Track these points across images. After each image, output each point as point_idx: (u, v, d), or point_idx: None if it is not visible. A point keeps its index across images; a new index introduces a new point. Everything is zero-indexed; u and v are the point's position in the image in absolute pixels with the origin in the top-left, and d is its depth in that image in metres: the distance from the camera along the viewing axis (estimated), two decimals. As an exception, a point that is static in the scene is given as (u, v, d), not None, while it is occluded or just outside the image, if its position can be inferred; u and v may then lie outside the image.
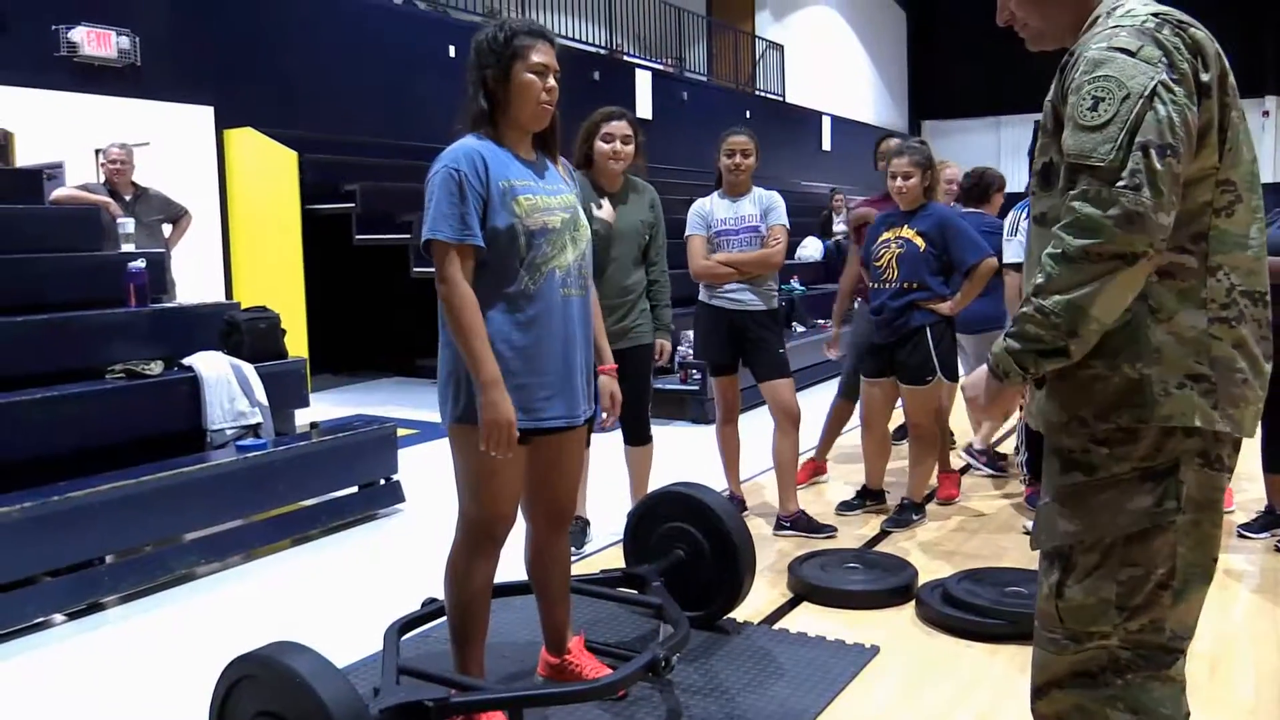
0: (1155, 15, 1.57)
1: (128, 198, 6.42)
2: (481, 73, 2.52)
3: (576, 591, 3.11)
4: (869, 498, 4.70)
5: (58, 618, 3.60)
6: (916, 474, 4.51)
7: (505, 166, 2.50)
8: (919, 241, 4.25)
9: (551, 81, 2.54)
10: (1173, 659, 1.68)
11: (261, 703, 2.19)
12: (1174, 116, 1.50)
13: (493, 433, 2.39)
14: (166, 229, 6.70)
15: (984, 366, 1.73)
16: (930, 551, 4.13)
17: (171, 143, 8.02)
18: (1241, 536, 4.21)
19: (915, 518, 4.48)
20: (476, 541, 2.59)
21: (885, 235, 4.36)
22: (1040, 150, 1.71)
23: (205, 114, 8.08)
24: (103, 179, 6.45)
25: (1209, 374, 1.60)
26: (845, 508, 4.68)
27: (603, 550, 4.20)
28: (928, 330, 4.27)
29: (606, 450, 4.37)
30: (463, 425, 2.50)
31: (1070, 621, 1.69)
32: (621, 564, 3.50)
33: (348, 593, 3.88)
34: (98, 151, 8.33)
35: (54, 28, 7.13)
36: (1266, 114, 19.54)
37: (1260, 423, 4.29)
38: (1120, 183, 1.49)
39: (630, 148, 3.95)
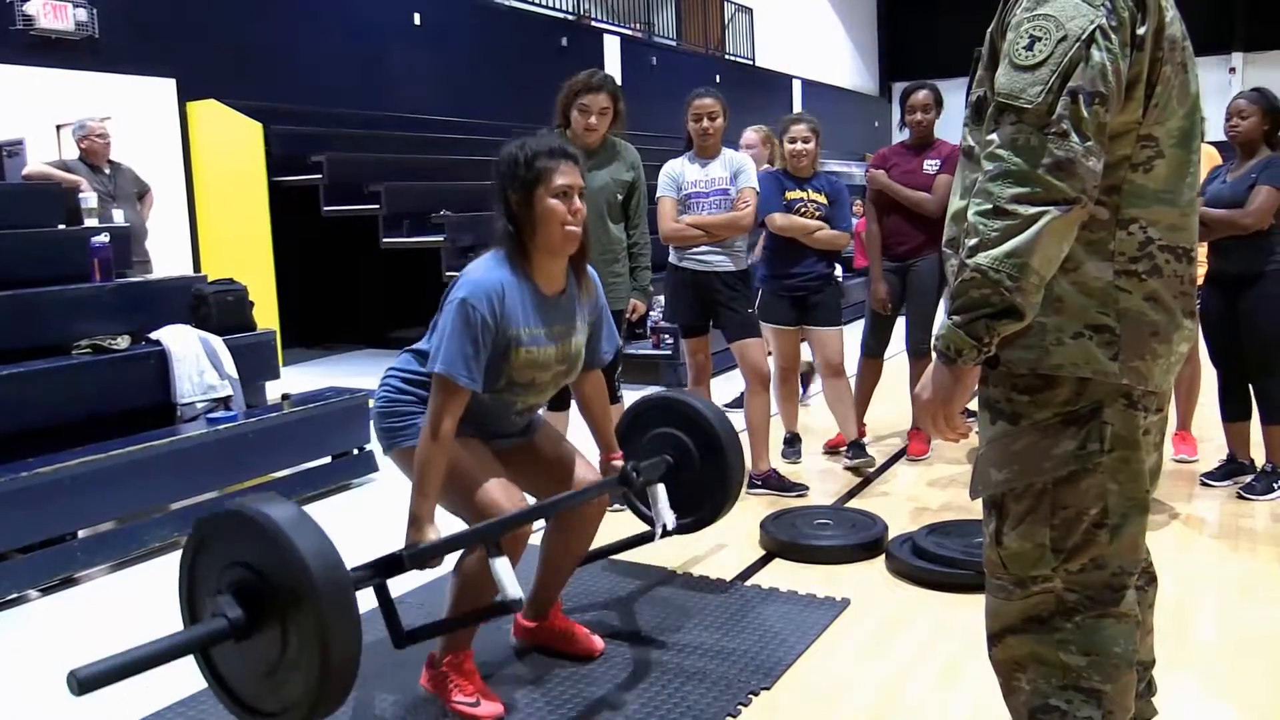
0: None
1: (107, 172, 6.36)
2: (504, 195, 2.50)
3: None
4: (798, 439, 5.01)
5: (32, 593, 3.60)
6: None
7: (522, 312, 2.49)
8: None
9: (577, 203, 2.50)
10: (1119, 595, 1.70)
11: (233, 554, 2.06)
12: (1107, 64, 1.48)
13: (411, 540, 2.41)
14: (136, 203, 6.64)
15: (930, 365, 1.65)
16: (900, 507, 4.19)
17: (133, 116, 7.90)
18: (1204, 485, 4.28)
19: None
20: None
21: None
22: (976, 83, 1.68)
23: (167, 86, 7.98)
24: (77, 154, 6.37)
25: (1113, 325, 1.60)
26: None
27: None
28: None
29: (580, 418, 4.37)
30: (409, 448, 2.51)
31: (1012, 568, 1.72)
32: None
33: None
34: (59, 127, 8.22)
35: (8, 0, 7.00)
36: (1233, 70, 19.66)
37: (1216, 372, 4.35)
38: (1048, 129, 1.47)
39: (607, 118, 3.95)
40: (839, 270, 4.80)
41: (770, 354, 4.73)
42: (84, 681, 1.83)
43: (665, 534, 2.95)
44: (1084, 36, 1.48)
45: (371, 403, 2.71)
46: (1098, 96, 1.48)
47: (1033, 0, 1.53)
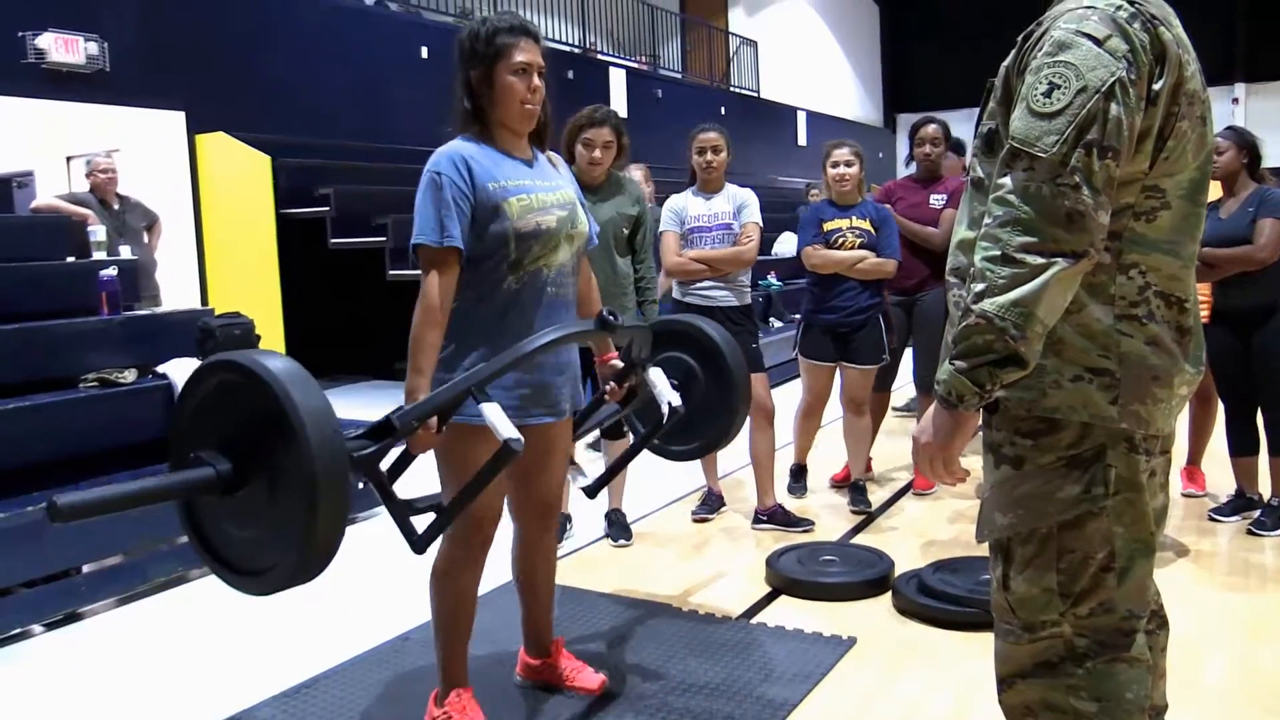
0: (1131, 3, 1.53)
1: (116, 206, 6.41)
2: (465, 73, 2.48)
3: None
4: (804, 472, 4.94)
5: (35, 628, 3.58)
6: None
7: (495, 166, 2.47)
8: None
9: (536, 80, 2.48)
10: (1130, 640, 1.69)
11: (228, 406, 1.93)
12: (1123, 119, 1.48)
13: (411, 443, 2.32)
14: (145, 236, 6.70)
15: (930, 408, 1.63)
16: (907, 542, 4.16)
17: (143, 148, 7.96)
18: (1213, 520, 4.26)
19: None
20: (466, 541, 2.57)
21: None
22: (988, 115, 1.67)
23: (176, 119, 8.03)
24: (88, 188, 6.42)
25: (1113, 369, 1.59)
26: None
27: (585, 547, 4.22)
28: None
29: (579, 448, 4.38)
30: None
31: (1021, 612, 1.71)
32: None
33: (328, 597, 3.87)
34: (69, 159, 8.30)
35: (20, 34, 7.06)
36: (1236, 101, 19.72)
37: (1224, 406, 4.33)
38: (1060, 179, 1.46)
39: (611, 153, 3.97)
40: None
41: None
42: (62, 509, 1.70)
43: (672, 415, 2.74)
44: (1103, 89, 1.47)
45: None
46: (1110, 151, 1.48)
47: (1054, 45, 1.52)
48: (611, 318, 2.45)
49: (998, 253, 1.49)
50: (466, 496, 2.33)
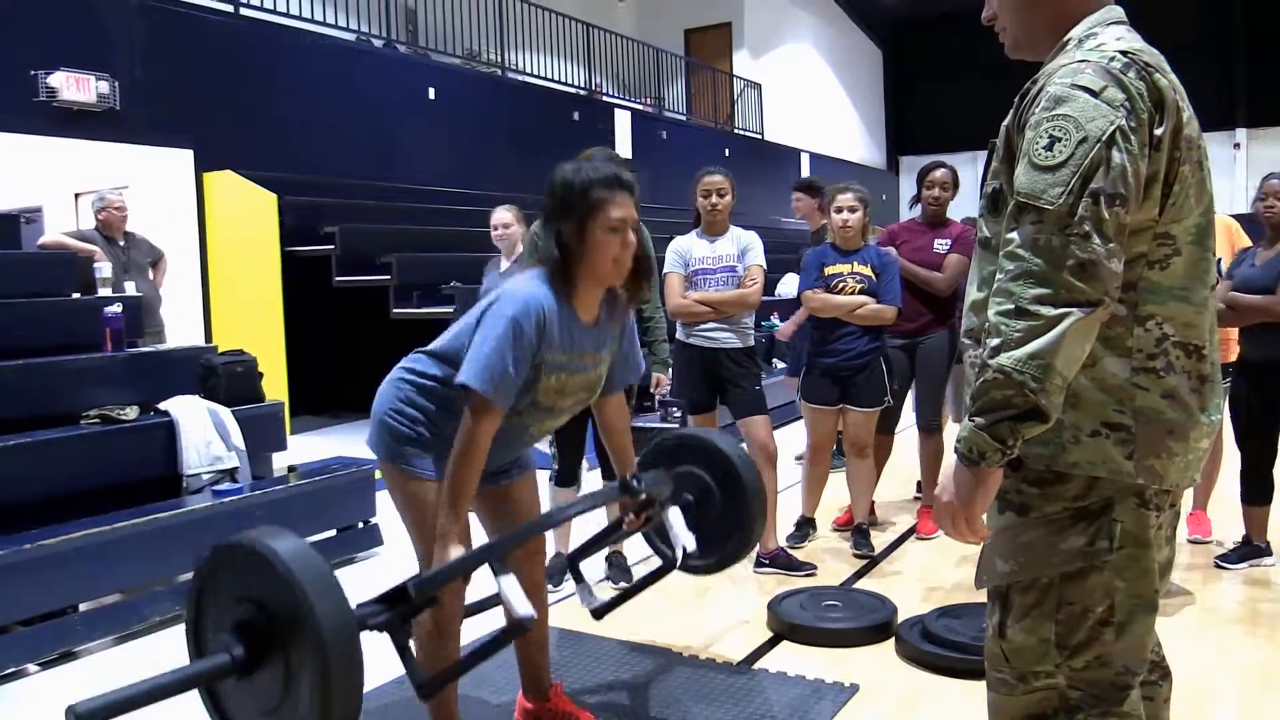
0: (1124, 54, 1.54)
1: (122, 243, 6.44)
2: (556, 225, 2.42)
3: (586, 553, 3.01)
4: (811, 526, 4.83)
5: (30, 667, 3.55)
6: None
7: (559, 337, 2.41)
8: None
9: (630, 237, 2.43)
10: (1124, 695, 1.66)
11: (238, 588, 1.99)
12: (1127, 165, 1.48)
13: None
14: (150, 273, 6.72)
15: (949, 464, 1.61)
16: (911, 588, 4.13)
17: (151, 186, 8.02)
18: (1219, 567, 4.22)
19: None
20: (436, 630, 2.52)
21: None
22: (992, 175, 1.68)
23: (185, 157, 8.09)
24: (94, 224, 6.46)
25: (1129, 424, 1.58)
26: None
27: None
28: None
29: (584, 487, 4.35)
30: (405, 472, 2.47)
31: (1015, 661, 1.68)
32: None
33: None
34: (78, 196, 8.35)
35: (32, 72, 7.15)
36: (1237, 146, 19.83)
37: (1241, 455, 4.27)
38: (1069, 230, 1.47)
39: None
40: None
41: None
42: (82, 716, 1.75)
43: (685, 559, 2.76)
44: (1104, 138, 1.48)
45: (376, 401, 2.57)
46: (1118, 198, 1.48)
47: (1051, 100, 1.53)
48: (635, 483, 2.51)
49: (1011, 307, 1.48)
50: (467, 667, 2.39)
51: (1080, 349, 1.49)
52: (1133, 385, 1.59)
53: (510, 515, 2.74)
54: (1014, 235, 1.52)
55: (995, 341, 1.49)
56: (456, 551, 2.32)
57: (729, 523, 2.98)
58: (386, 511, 5.04)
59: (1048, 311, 1.46)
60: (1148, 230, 1.58)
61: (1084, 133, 1.49)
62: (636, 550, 4.50)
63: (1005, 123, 1.66)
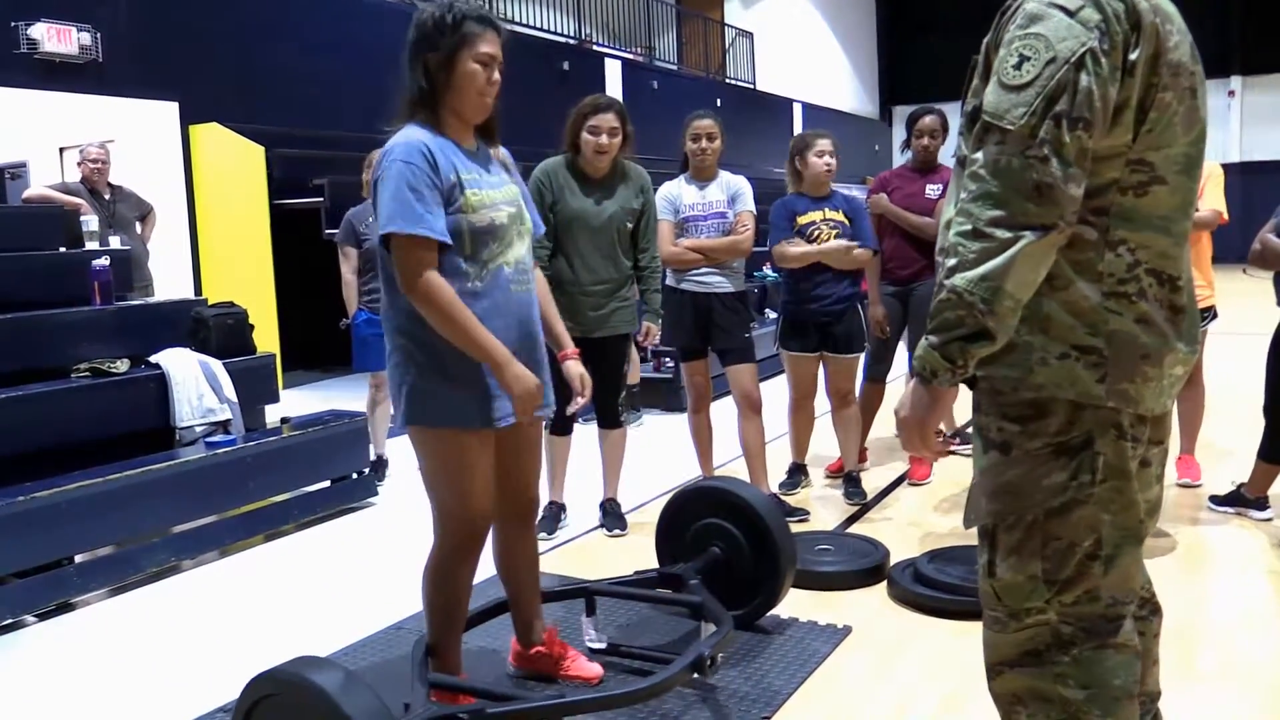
0: None
1: (107, 196, 6.37)
2: (424, 56, 2.44)
3: (609, 595, 3.14)
4: (803, 472, 4.85)
5: (27, 619, 3.57)
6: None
7: (451, 159, 2.43)
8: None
9: (496, 74, 2.47)
10: (1116, 626, 1.68)
11: None
12: (1094, 89, 1.46)
13: (528, 403, 2.41)
14: (137, 226, 6.66)
15: (910, 383, 1.65)
16: (902, 532, 4.16)
17: (136, 139, 7.93)
18: (1210, 509, 4.23)
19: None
20: (459, 542, 2.55)
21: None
22: (972, 93, 1.66)
23: (170, 110, 8.00)
24: (79, 177, 6.39)
25: (1101, 347, 1.57)
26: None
27: (580, 537, 4.22)
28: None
29: (579, 437, 4.36)
30: (427, 429, 2.47)
31: (1006, 599, 1.69)
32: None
33: (322, 588, 3.86)
34: (63, 150, 8.25)
35: (13, 24, 7.04)
36: (1232, 94, 19.74)
37: (1269, 414, 4.08)
38: (1029, 151, 1.45)
39: (617, 139, 3.95)
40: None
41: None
42: None
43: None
44: (1073, 59, 1.46)
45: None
46: (1081, 121, 1.46)
47: (1026, 17, 1.51)
48: (710, 663, 2.53)
49: (969, 227, 1.49)
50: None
51: (1034, 273, 1.49)
52: (1105, 309, 1.58)
53: (520, 453, 2.70)
54: (978, 155, 1.51)
55: (952, 262, 1.50)
56: (517, 364, 2.39)
57: (758, 577, 3.13)
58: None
59: (1002, 234, 1.46)
60: (1120, 156, 1.55)
61: (1053, 53, 1.47)
62: (631, 498, 4.52)
63: (986, 40, 1.64)
